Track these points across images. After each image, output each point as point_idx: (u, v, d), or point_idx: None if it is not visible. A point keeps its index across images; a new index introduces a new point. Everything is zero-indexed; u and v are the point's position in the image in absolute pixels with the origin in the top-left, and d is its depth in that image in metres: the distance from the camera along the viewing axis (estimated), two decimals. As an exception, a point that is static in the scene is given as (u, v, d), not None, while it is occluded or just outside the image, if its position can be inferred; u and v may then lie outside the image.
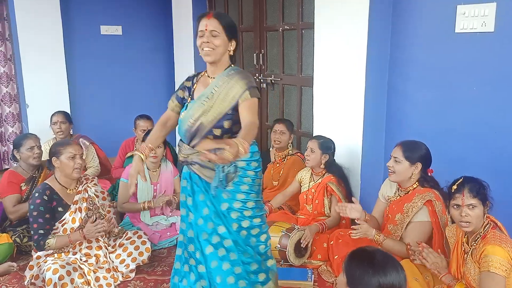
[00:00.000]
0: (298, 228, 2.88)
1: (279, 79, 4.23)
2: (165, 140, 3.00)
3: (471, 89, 2.52)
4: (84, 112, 5.10)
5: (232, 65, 2.08)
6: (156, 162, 3.31)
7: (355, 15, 3.07)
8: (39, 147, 3.26)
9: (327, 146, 3.14)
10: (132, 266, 2.74)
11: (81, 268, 2.50)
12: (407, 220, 2.45)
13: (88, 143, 3.98)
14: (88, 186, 2.79)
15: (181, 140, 2.13)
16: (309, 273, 2.70)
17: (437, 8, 2.65)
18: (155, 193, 3.31)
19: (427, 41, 2.73)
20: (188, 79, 2.20)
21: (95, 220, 2.67)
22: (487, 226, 1.97)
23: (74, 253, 2.63)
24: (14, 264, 2.81)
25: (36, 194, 2.60)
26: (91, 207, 2.72)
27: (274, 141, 3.67)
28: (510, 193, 2.35)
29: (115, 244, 2.83)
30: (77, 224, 2.64)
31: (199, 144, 2.02)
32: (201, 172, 2.04)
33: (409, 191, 2.50)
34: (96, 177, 3.01)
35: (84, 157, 3.80)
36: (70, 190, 2.71)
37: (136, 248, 2.79)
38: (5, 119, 4.91)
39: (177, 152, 2.23)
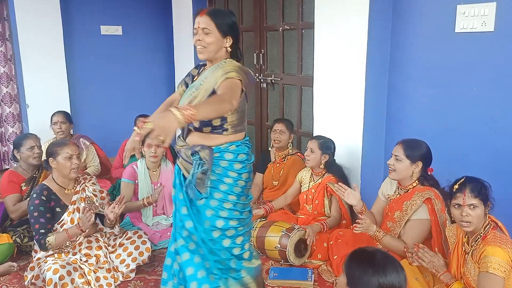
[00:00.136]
0: (298, 228, 2.88)
1: (279, 79, 4.23)
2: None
3: (471, 89, 2.52)
4: (84, 112, 5.09)
5: (229, 59, 2.05)
6: (156, 162, 3.31)
7: (355, 15, 3.07)
8: (39, 147, 3.26)
9: (327, 146, 3.14)
10: (133, 266, 2.74)
11: (81, 268, 2.50)
12: (405, 217, 2.45)
13: (88, 143, 3.99)
14: (86, 185, 2.78)
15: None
16: (309, 272, 2.70)
17: (437, 8, 2.65)
18: (155, 193, 3.32)
19: (427, 41, 2.73)
20: (196, 67, 2.19)
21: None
22: (488, 226, 1.97)
23: (74, 253, 2.63)
24: (15, 264, 2.81)
25: (34, 195, 2.60)
26: (90, 207, 2.71)
27: (274, 140, 3.68)
28: (510, 193, 2.35)
29: (115, 244, 2.83)
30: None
31: (189, 136, 2.02)
32: (183, 165, 2.04)
33: (408, 190, 2.51)
34: (94, 176, 3.01)
35: (84, 157, 3.85)
36: (68, 190, 2.71)
37: (137, 248, 2.79)
38: (5, 119, 4.91)
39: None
